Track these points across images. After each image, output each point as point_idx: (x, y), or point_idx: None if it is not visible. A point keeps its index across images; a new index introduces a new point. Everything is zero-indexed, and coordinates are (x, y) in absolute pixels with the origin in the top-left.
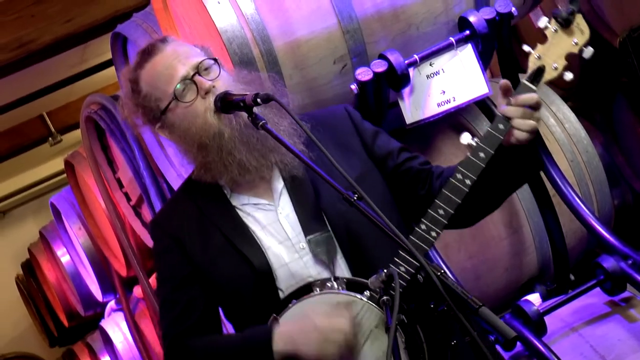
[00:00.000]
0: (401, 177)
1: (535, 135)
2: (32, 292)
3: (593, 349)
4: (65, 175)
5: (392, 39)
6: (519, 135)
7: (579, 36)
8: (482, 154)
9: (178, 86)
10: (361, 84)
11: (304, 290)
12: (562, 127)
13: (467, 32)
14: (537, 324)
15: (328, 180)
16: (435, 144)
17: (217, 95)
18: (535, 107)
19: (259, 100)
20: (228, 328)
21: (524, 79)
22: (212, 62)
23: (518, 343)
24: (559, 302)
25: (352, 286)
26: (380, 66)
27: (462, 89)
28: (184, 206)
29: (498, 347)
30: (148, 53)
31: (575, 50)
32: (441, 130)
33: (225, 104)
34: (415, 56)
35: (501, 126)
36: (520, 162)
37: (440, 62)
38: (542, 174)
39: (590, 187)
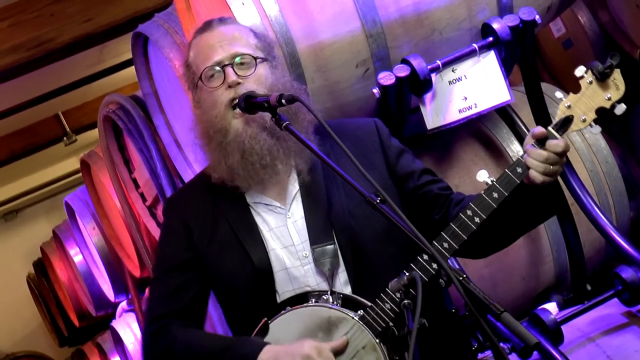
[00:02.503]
0: (419, 198)
1: (555, 179)
2: (43, 291)
3: (610, 359)
4: (78, 175)
5: (415, 44)
6: (536, 177)
7: (614, 92)
8: (495, 195)
9: (207, 69)
10: (383, 88)
11: (300, 299)
12: (582, 136)
13: (491, 38)
14: (554, 332)
15: (350, 182)
16: (455, 150)
17: (241, 96)
18: (561, 154)
19: (283, 101)
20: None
21: (550, 126)
22: (252, 59)
23: (534, 351)
24: (576, 311)
25: (347, 303)
26: (402, 71)
27: (484, 95)
28: (200, 192)
29: (514, 355)
30: (203, 27)
31: (607, 105)
32: (461, 137)
33: (249, 104)
34: (438, 62)
35: (519, 170)
36: (538, 203)
37: (463, 68)
38: (561, 183)
39: (609, 198)
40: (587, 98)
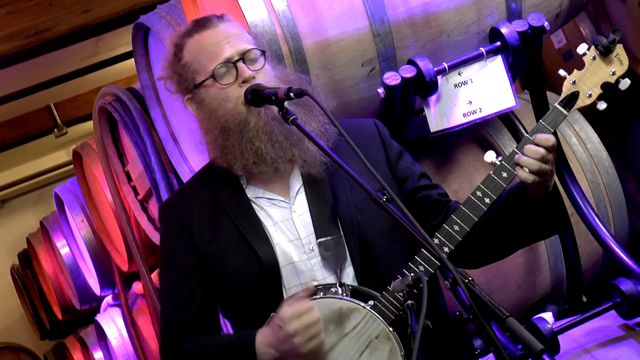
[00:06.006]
0: (417, 202)
1: (551, 191)
2: (27, 282)
3: None
4: (67, 168)
5: (422, 45)
6: (523, 175)
7: (618, 66)
8: (504, 174)
9: (219, 66)
10: (388, 89)
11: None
12: (584, 147)
13: (498, 43)
14: (550, 342)
15: (356, 179)
16: (456, 155)
17: (248, 88)
18: (550, 149)
19: (291, 94)
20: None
21: (557, 102)
22: (260, 53)
23: None
24: (573, 322)
25: (356, 294)
26: (408, 71)
27: (489, 100)
28: (198, 192)
29: None
30: (201, 25)
31: (612, 80)
32: (462, 142)
33: (256, 96)
34: (445, 64)
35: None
36: (539, 217)
37: (469, 72)
38: (562, 192)
39: (608, 209)
40: (591, 74)
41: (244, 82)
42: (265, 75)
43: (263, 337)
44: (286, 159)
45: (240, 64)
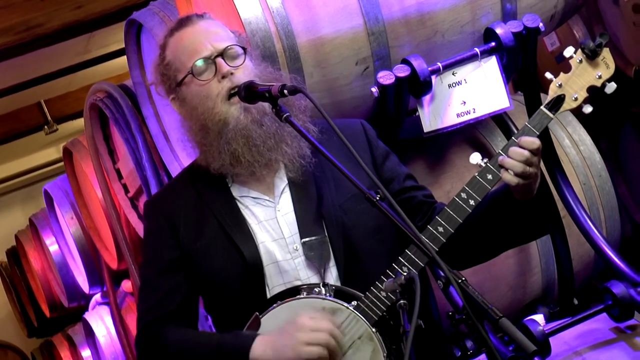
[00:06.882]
0: (402, 203)
1: (536, 194)
2: (15, 280)
3: None
4: (57, 165)
5: (416, 44)
6: (507, 177)
7: (604, 70)
8: (489, 176)
9: (198, 62)
10: (382, 88)
11: (291, 293)
12: (577, 149)
13: (493, 44)
14: (542, 344)
15: (348, 176)
16: (449, 156)
17: (242, 84)
18: (534, 152)
19: (285, 91)
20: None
21: (542, 105)
22: (240, 50)
23: None
24: (564, 324)
25: (340, 295)
26: (402, 71)
27: (483, 101)
28: (183, 190)
29: None
30: (181, 23)
31: (598, 84)
32: (455, 142)
33: (250, 93)
34: (439, 64)
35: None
36: (523, 220)
37: (463, 72)
38: (554, 194)
39: (600, 212)
40: (577, 77)
41: (223, 77)
42: (246, 72)
43: (262, 339)
44: (263, 163)
45: (219, 60)
